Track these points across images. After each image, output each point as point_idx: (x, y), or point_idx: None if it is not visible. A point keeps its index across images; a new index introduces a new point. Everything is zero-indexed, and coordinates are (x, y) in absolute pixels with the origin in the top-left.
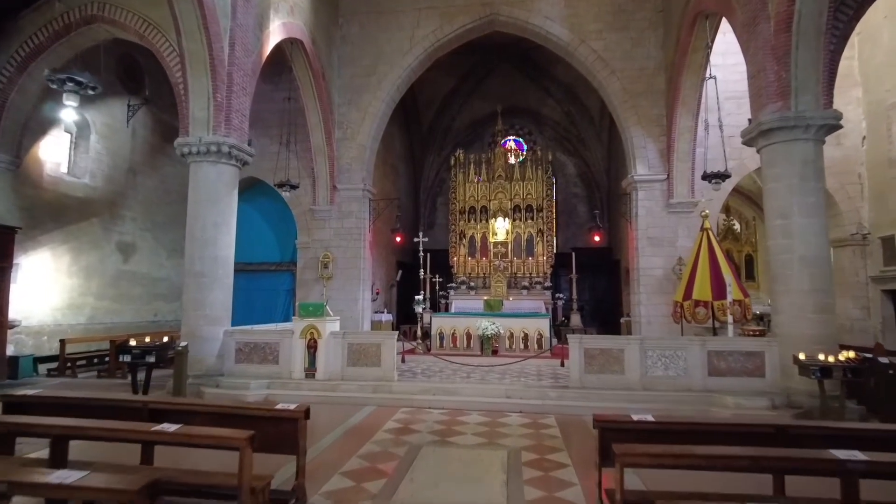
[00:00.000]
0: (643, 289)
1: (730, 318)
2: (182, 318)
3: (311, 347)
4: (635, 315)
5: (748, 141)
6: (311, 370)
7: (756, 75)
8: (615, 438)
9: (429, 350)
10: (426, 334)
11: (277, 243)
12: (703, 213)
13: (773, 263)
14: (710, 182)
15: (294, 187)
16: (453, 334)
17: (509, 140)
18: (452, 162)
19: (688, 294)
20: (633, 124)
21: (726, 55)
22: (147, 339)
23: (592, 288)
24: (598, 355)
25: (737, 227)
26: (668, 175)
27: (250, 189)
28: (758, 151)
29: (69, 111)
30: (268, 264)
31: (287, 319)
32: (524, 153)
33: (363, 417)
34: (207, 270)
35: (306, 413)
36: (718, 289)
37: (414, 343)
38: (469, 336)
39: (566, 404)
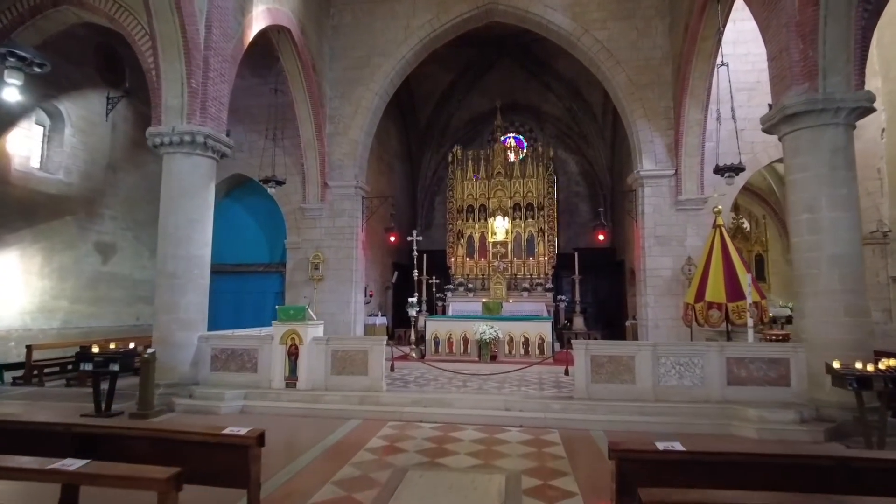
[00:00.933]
0: (650, 290)
1: (749, 322)
2: (154, 322)
3: (292, 354)
4: (642, 318)
5: (769, 128)
6: (291, 379)
7: (778, 56)
8: (636, 471)
9: (423, 356)
10: (421, 339)
11: (267, 243)
12: (716, 209)
13: (797, 262)
14: (722, 176)
15: (280, 183)
16: (449, 339)
17: (509, 137)
18: (450, 159)
19: (700, 295)
20: (640, 117)
21: (736, 44)
22: (112, 346)
23: (595, 290)
24: (606, 363)
25: (746, 225)
26: (677, 170)
27: (238, 187)
28: (780, 139)
29: (12, 90)
30: (256, 265)
31: None
32: (524, 150)
33: (346, 433)
34: (181, 270)
35: (259, 438)
36: (733, 290)
37: (407, 348)
38: (466, 341)
39: (571, 417)
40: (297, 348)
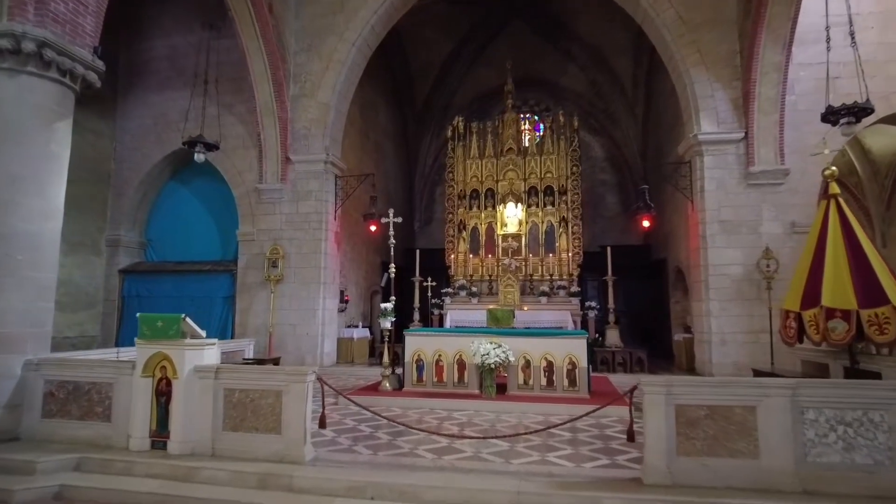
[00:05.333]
0: (714, 294)
1: None
2: None
3: (163, 394)
4: (701, 331)
5: None
6: (161, 435)
7: None
8: None
9: (401, 386)
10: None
11: (219, 236)
12: (828, 171)
13: None
14: (836, 123)
15: (212, 147)
16: (438, 361)
17: (524, 119)
18: (450, 133)
19: (810, 299)
20: (695, 65)
21: None
22: None
23: (627, 296)
24: (702, 419)
25: None
26: (747, 133)
27: (187, 168)
28: None
29: None
30: (203, 263)
31: (224, 337)
32: (540, 134)
33: None
34: None
35: None
36: (866, 289)
37: (381, 374)
38: (462, 365)
39: None
40: (169, 384)
